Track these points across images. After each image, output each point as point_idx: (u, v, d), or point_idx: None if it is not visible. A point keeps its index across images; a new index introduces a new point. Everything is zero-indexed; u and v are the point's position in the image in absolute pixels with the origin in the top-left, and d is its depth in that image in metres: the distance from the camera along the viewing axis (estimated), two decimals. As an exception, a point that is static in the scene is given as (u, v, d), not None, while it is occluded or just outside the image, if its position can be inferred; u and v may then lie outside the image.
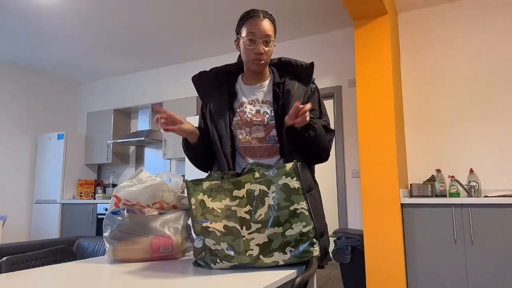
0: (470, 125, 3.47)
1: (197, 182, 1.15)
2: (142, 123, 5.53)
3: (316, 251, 1.10)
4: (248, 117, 1.48)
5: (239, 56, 1.58)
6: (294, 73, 1.54)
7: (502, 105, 3.38)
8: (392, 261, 3.00)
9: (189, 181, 1.15)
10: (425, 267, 2.95)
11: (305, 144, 1.43)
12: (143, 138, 5.05)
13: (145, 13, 3.94)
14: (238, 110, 1.50)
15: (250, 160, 1.48)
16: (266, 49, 1.45)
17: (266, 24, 1.45)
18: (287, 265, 1.11)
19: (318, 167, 6.49)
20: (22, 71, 5.55)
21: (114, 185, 5.63)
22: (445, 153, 3.52)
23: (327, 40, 4.40)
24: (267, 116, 1.47)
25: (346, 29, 4.31)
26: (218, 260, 1.08)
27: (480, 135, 3.42)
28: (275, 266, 1.10)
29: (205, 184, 1.15)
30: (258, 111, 1.48)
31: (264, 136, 1.47)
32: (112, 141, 5.41)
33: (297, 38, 4.57)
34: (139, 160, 5.69)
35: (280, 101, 1.47)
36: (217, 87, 1.55)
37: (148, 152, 5.59)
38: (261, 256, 1.08)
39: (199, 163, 1.59)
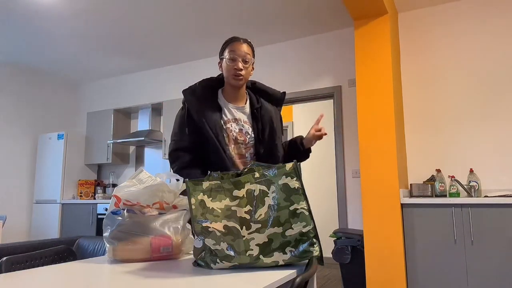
0: (470, 125, 3.47)
1: (197, 182, 1.15)
2: (142, 123, 5.53)
3: (316, 251, 1.10)
4: (234, 136, 1.68)
5: (220, 74, 1.80)
6: (266, 97, 1.82)
7: (502, 105, 3.38)
8: (392, 261, 3.00)
9: (189, 181, 1.15)
10: (425, 267, 2.95)
11: (300, 158, 1.78)
12: (143, 138, 5.05)
13: (145, 13, 3.94)
14: (224, 126, 1.68)
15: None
16: (245, 66, 1.67)
17: (245, 47, 1.69)
18: (287, 265, 1.11)
19: (318, 167, 6.44)
20: (22, 71, 5.55)
21: (114, 185, 5.63)
22: (445, 153, 3.52)
23: (327, 40, 4.40)
24: (248, 136, 1.71)
25: (346, 29, 4.31)
26: (218, 260, 1.08)
27: (480, 135, 3.42)
28: (275, 266, 1.11)
29: (205, 184, 1.15)
30: (240, 130, 1.70)
31: (244, 153, 1.69)
32: (112, 141, 5.40)
33: (297, 38, 4.57)
34: (139, 160, 5.69)
35: (260, 125, 1.72)
36: (206, 102, 1.70)
37: (148, 152, 5.59)
38: (261, 256, 1.08)
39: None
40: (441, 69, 3.64)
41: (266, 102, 1.79)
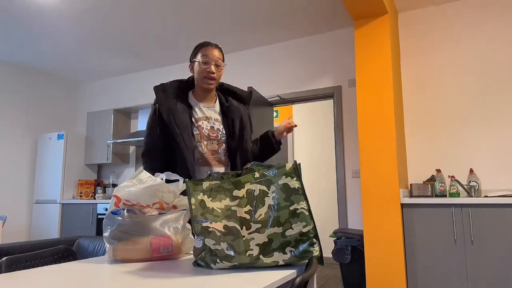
0: (470, 125, 3.47)
1: (197, 182, 1.15)
2: (142, 123, 5.53)
3: (316, 251, 1.10)
4: (206, 133, 1.77)
5: (190, 77, 1.89)
6: (235, 97, 1.93)
7: (502, 105, 3.38)
8: (392, 261, 3.00)
9: (189, 181, 1.15)
10: (425, 267, 2.95)
11: (273, 150, 1.92)
12: (143, 138, 5.04)
13: (145, 13, 3.94)
14: (196, 124, 1.77)
15: (204, 168, 1.74)
16: (217, 69, 1.78)
17: (217, 51, 1.80)
18: (287, 265, 1.11)
19: (318, 167, 6.44)
20: (22, 71, 5.55)
21: (114, 185, 5.63)
22: (445, 153, 3.52)
23: (327, 40, 4.40)
24: (220, 133, 1.80)
25: (346, 29, 4.31)
26: (218, 260, 1.08)
27: (480, 135, 3.42)
28: (275, 266, 1.11)
29: (205, 184, 1.15)
30: (212, 127, 1.79)
31: (216, 149, 1.78)
32: (112, 141, 5.40)
33: (297, 38, 4.57)
34: (139, 160, 5.69)
35: (230, 122, 1.83)
36: (177, 100, 1.78)
37: (148, 152, 5.58)
38: (261, 256, 1.08)
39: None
40: (441, 69, 3.64)
41: (235, 101, 1.91)
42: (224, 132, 1.82)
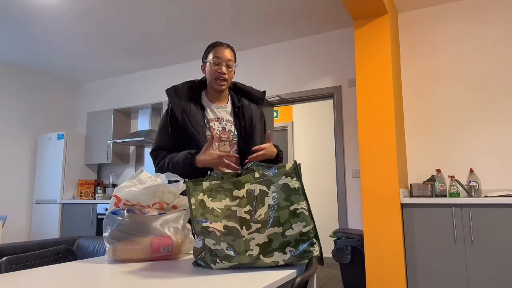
0: (470, 125, 3.47)
1: (197, 182, 1.15)
2: (142, 123, 5.53)
3: (316, 251, 1.10)
4: (217, 134, 1.75)
5: (203, 78, 1.88)
6: (248, 96, 1.90)
7: (502, 105, 3.38)
8: (392, 261, 3.00)
9: (189, 181, 1.15)
10: (425, 267, 2.95)
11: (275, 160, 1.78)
12: (143, 138, 5.05)
13: (145, 13, 3.94)
14: (208, 125, 1.75)
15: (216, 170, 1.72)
16: (229, 70, 1.76)
17: (228, 52, 1.78)
18: (287, 265, 1.11)
19: (318, 167, 6.43)
20: (22, 71, 5.55)
21: (114, 185, 5.63)
22: (445, 153, 3.52)
23: (327, 40, 4.40)
24: (232, 133, 1.78)
25: (346, 29, 4.31)
26: (218, 260, 1.08)
27: (480, 135, 3.42)
28: (275, 266, 1.11)
29: (205, 184, 1.15)
30: (223, 129, 1.77)
31: (229, 150, 1.76)
32: (112, 141, 5.40)
33: (297, 38, 4.57)
34: (139, 160, 5.69)
35: (242, 122, 1.81)
36: (189, 101, 1.77)
37: (148, 152, 5.59)
38: (261, 256, 1.08)
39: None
40: (441, 69, 3.64)
41: (247, 101, 1.88)
42: (235, 133, 1.80)
